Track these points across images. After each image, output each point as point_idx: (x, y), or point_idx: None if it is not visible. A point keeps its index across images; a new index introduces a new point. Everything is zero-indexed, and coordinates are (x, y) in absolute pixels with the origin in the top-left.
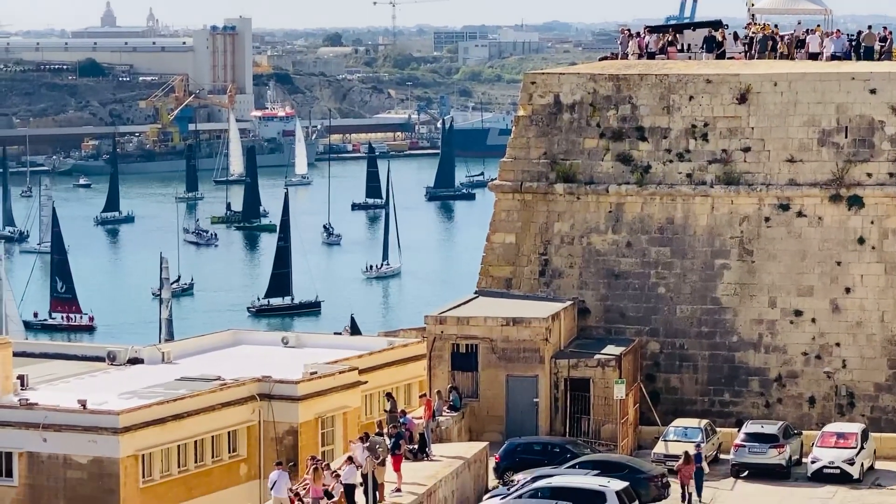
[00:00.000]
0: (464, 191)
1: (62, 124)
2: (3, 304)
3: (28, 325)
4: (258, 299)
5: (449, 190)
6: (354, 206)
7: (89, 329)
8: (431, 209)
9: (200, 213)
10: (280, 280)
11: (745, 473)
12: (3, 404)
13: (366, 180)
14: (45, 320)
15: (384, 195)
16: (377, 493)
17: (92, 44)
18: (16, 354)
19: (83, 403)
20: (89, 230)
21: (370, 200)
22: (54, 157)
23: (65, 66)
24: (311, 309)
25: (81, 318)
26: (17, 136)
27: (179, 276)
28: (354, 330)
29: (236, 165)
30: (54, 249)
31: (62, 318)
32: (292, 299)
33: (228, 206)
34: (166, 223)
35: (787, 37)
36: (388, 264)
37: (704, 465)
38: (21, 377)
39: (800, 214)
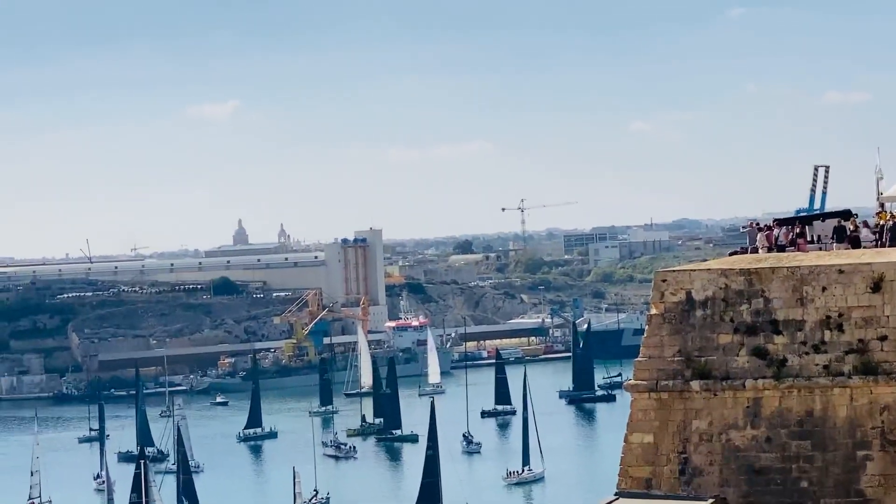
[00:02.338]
0: (600, 392)
1: (198, 343)
2: None
3: None
4: None
5: (586, 392)
6: (484, 414)
7: None
8: (570, 412)
9: (335, 427)
10: (429, 489)
11: None
12: None
13: (494, 387)
14: None
15: (513, 401)
16: None
17: (225, 262)
18: None
19: None
20: (231, 447)
21: (499, 407)
22: (191, 376)
23: (199, 286)
24: None
25: None
26: (154, 357)
27: (317, 491)
28: None
29: (366, 378)
30: (181, 469)
31: None
32: None
33: (363, 419)
34: (304, 437)
35: None
36: (529, 469)
37: None
38: None
39: None
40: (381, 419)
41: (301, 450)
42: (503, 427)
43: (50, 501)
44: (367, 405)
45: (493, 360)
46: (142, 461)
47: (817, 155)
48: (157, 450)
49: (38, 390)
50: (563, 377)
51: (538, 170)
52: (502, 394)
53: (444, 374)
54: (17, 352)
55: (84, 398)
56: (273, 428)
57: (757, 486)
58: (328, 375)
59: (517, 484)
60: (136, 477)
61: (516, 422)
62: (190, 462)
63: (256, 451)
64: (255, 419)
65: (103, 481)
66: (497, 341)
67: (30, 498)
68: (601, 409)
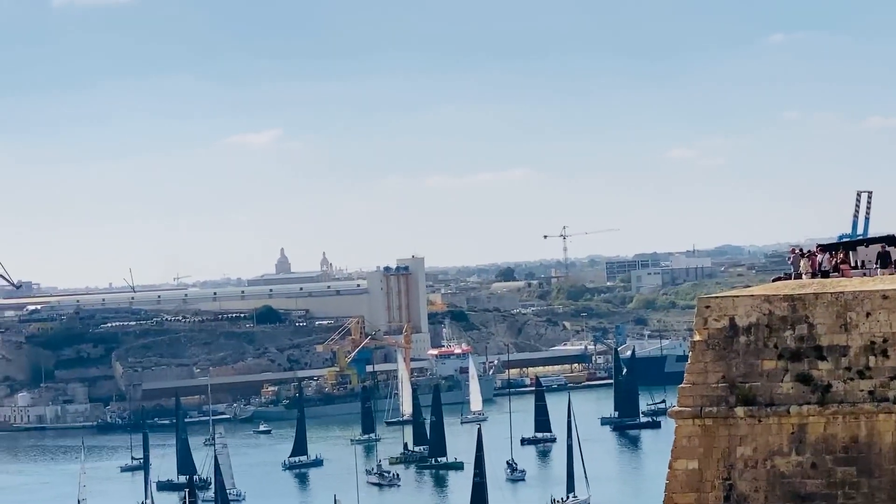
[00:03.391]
0: (644, 419)
1: (241, 372)
2: None
3: None
4: None
5: (630, 419)
6: (524, 441)
7: None
8: (614, 439)
9: (378, 454)
10: None
11: None
12: None
13: (534, 414)
14: None
15: (553, 428)
16: None
17: (268, 291)
18: None
19: None
20: (276, 475)
21: (539, 434)
22: (234, 404)
23: (242, 314)
24: None
25: None
26: (197, 386)
27: None
28: None
29: (407, 406)
30: (220, 498)
31: None
32: None
33: (406, 447)
34: (348, 465)
35: None
36: (574, 497)
37: None
38: None
39: None
40: (423, 447)
41: (345, 478)
42: (544, 454)
43: None
44: (409, 433)
45: (538, 388)
46: (187, 489)
47: (860, 180)
48: (199, 478)
49: (82, 419)
50: (605, 404)
51: (580, 197)
52: (542, 421)
53: (486, 401)
54: (61, 381)
55: (127, 427)
56: (318, 456)
57: None
58: (370, 403)
59: None
60: None
61: (557, 449)
62: (232, 490)
63: (301, 478)
64: (300, 447)
65: None
66: (539, 368)
67: None
68: (646, 435)
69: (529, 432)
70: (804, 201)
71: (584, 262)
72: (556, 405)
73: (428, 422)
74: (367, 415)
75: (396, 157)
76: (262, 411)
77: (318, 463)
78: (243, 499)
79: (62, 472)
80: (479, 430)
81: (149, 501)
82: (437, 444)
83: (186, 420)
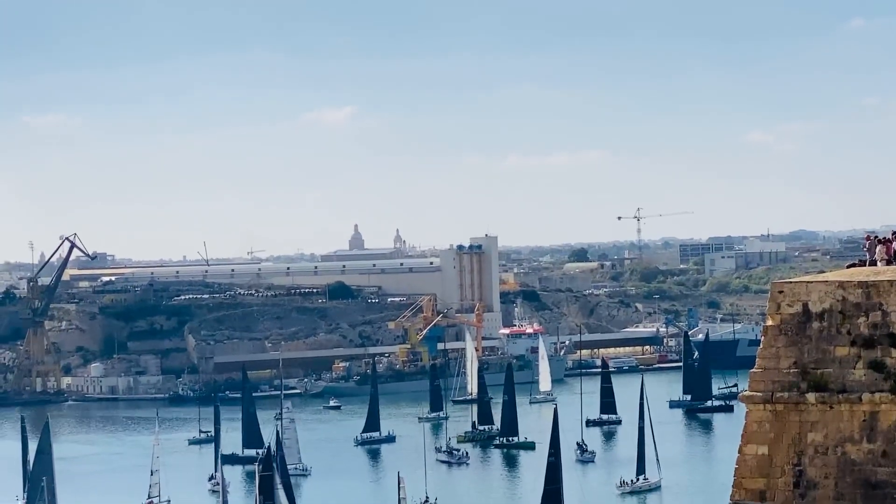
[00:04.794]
0: (717, 403)
1: (313, 347)
2: None
3: None
4: None
5: (699, 402)
6: (589, 423)
7: None
8: (683, 422)
9: (447, 433)
10: (552, 497)
11: None
12: None
13: (600, 396)
14: None
15: (618, 410)
16: None
17: (341, 267)
18: None
19: None
20: (345, 451)
21: (604, 416)
22: (305, 379)
23: (315, 290)
24: None
25: None
26: (269, 361)
27: (427, 497)
28: None
29: (472, 384)
30: (279, 471)
31: None
32: None
33: (474, 425)
34: (416, 443)
35: None
36: (645, 478)
37: None
38: None
39: None
40: (489, 426)
41: (414, 456)
42: (609, 436)
43: (169, 501)
44: (475, 412)
45: (609, 369)
46: (261, 464)
47: None
48: (263, 452)
49: (154, 391)
50: (675, 387)
51: (655, 178)
52: (607, 403)
53: (556, 381)
54: (134, 353)
55: (198, 399)
56: (391, 432)
57: (873, 500)
58: (439, 381)
59: (631, 493)
60: (264, 479)
61: (622, 431)
62: (298, 465)
63: (373, 455)
64: (373, 423)
65: (217, 482)
66: (611, 350)
67: (149, 497)
68: (717, 419)
69: (595, 414)
70: (881, 187)
71: (657, 244)
72: (625, 387)
73: (499, 401)
74: (435, 393)
75: (472, 136)
76: (333, 387)
77: (390, 439)
78: (309, 474)
79: (133, 444)
80: (556, 410)
81: (219, 474)
82: (509, 423)
83: (257, 394)
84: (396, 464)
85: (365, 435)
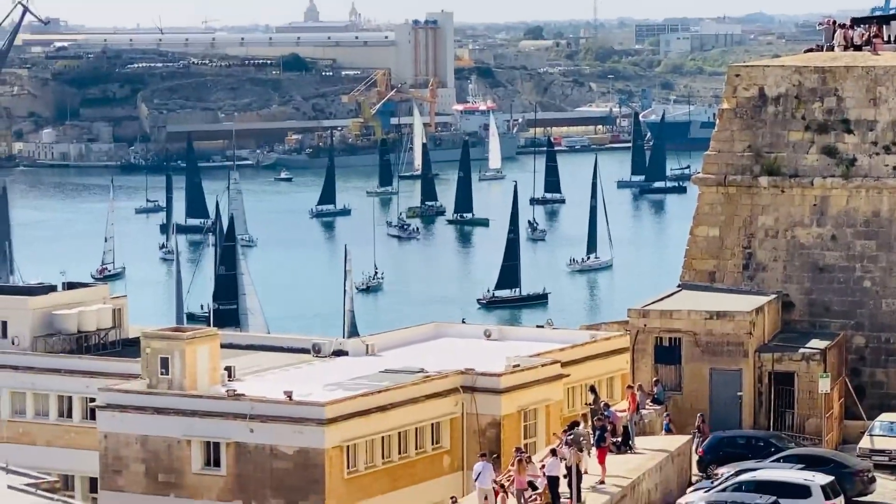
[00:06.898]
0: (665, 184)
1: (266, 118)
2: (246, 298)
3: (191, 317)
4: (488, 291)
5: (649, 183)
6: (532, 201)
7: None
8: (634, 202)
9: (397, 207)
10: (509, 273)
11: None
12: (212, 395)
13: (545, 175)
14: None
15: (562, 189)
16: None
17: (295, 38)
18: (223, 346)
19: (289, 395)
20: (300, 223)
21: (548, 195)
22: (258, 151)
23: (269, 62)
24: (539, 301)
25: None
26: (222, 131)
27: (377, 271)
28: None
29: (418, 160)
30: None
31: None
32: (520, 291)
33: (423, 201)
34: (367, 217)
35: None
36: (597, 257)
37: None
38: (228, 368)
39: None
40: (435, 202)
41: (364, 229)
42: (552, 215)
43: (124, 268)
44: (420, 188)
45: (560, 148)
46: (209, 233)
47: None
48: (210, 221)
49: (105, 158)
50: (626, 167)
51: None
52: (552, 182)
53: (508, 159)
54: (86, 119)
55: (150, 168)
56: (347, 205)
57: (820, 283)
58: (388, 157)
59: (581, 271)
60: (227, 249)
61: (565, 210)
62: (244, 236)
63: (327, 227)
64: (328, 196)
65: (169, 251)
66: (563, 129)
67: (103, 264)
68: (671, 200)
69: (540, 192)
70: None
71: (613, 23)
72: (576, 166)
73: (446, 178)
74: (385, 167)
75: None
76: (285, 159)
77: (345, 212)
78: (255, 244)
79: (85, 211)
80: (515, 187)
81: (171, 243)
82: (464, 200)
83: (208, 164)
84: (347, 236)
85: (320, 207)
